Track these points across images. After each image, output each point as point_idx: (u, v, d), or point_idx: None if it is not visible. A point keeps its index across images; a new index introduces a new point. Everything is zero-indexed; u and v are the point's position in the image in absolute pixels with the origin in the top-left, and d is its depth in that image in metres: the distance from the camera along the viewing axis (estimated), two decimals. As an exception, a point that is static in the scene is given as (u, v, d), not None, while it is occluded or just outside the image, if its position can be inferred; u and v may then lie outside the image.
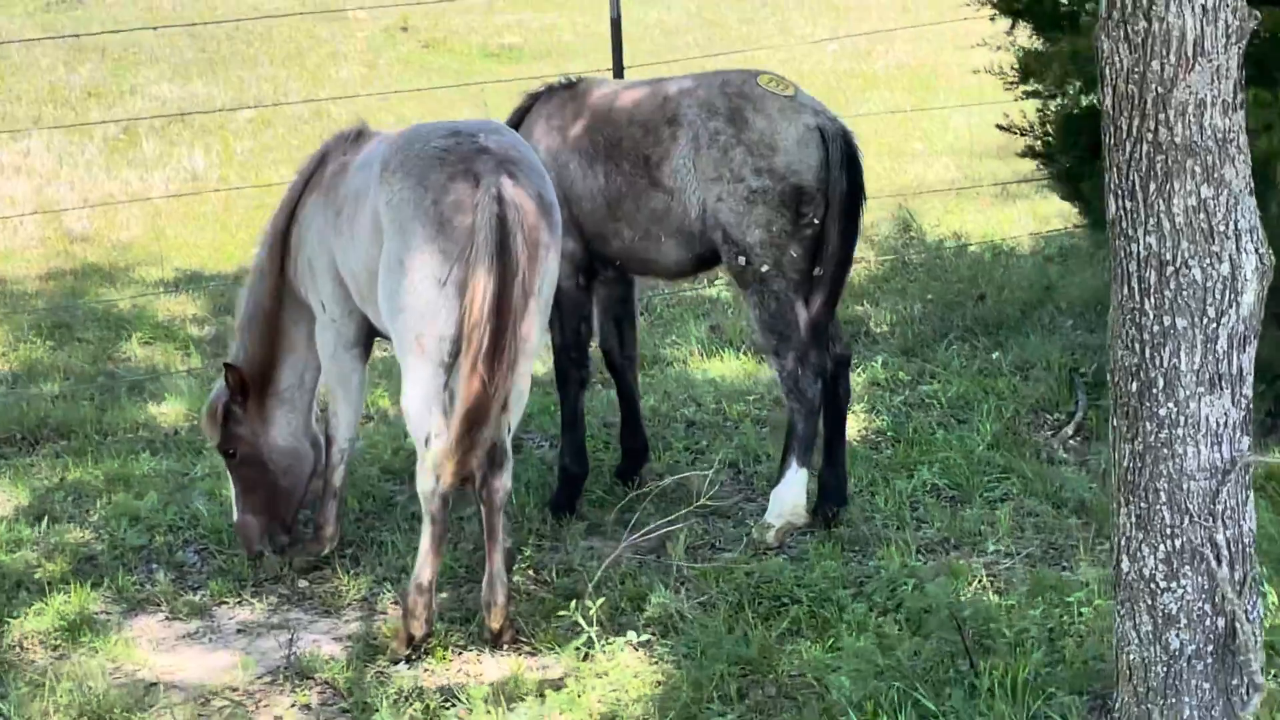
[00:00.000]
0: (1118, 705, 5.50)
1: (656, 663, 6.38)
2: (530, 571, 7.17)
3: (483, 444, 6.25)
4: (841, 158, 7.20)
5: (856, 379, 9.38)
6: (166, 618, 7.16)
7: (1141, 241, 5.02)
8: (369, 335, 7.32)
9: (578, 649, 6.49)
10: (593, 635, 6.43)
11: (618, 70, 8.74)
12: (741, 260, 7.25)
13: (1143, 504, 5.22)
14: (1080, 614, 6.37)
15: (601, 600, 6.68)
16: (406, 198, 6.32)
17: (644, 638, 6.53)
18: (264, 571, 7.46)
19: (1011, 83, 8.84)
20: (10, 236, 13.95)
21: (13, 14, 25.97)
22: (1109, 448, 5.43)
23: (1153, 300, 5.03)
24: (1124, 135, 5.00)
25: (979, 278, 11.33)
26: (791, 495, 7.44)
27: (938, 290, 11.29)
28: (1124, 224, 5.07)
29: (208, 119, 19.29)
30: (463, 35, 24.97)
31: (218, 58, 23.16)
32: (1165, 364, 5.05)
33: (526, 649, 6.63)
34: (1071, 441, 8.57)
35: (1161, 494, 5.15)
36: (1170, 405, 5.07)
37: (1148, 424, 5.13)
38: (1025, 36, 8.86)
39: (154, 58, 22.89)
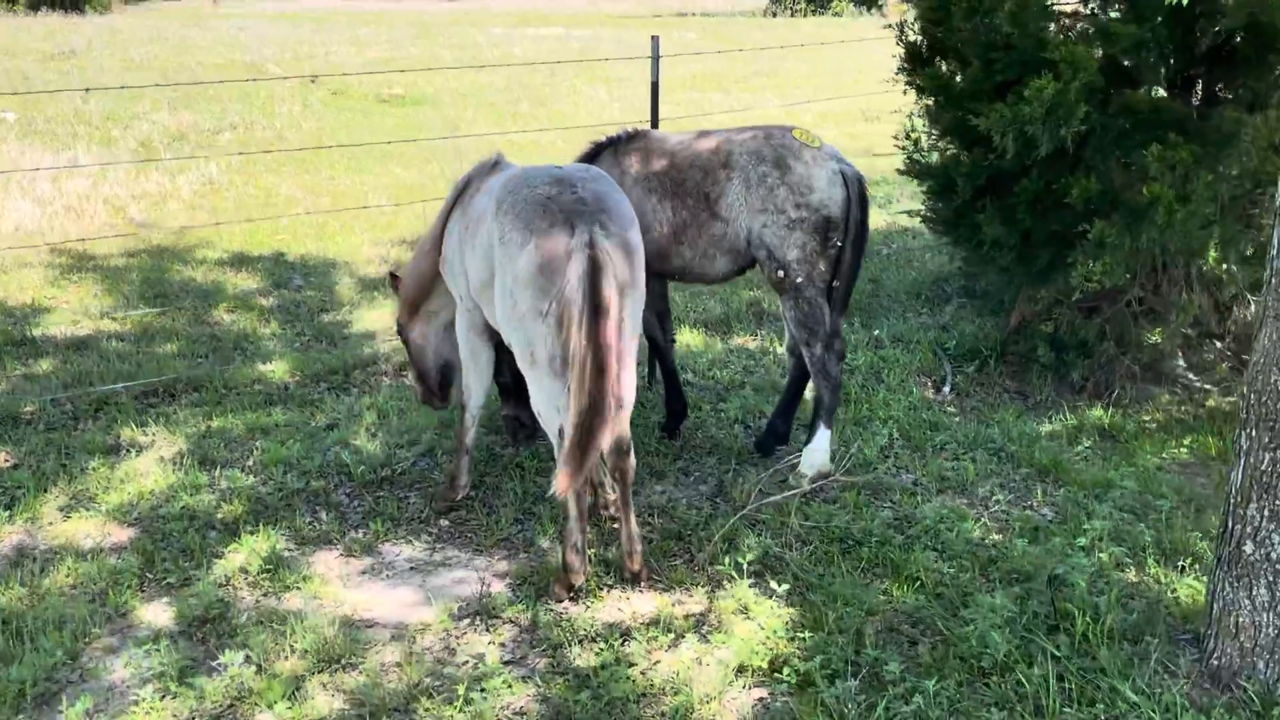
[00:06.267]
0: (1216, 654, 4.11)
1: (780, 601, 4.77)
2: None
3: (599, 448, 4.52)
4: (858, 196, 5.69)
5: (781, 349, 7.85)
6: (341, 554, 5.28)
7: (1314, 289, 3.63)
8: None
9: (703, 587, 4.88)
10: (728, 578, 4.84)
11: (654, 123, 6.92)
12: (780, 273, 5.66)
13: (1278, 501, 3.84)
14: (1100, 558, 4.94)
15: (710, 546, 5.10)
16: (514, 239, 4.64)
17: (755, 581, 4.93)
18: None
19: (934, 139, 7.34)
20: (87, 222, 11.36)
21: (26, 60, 22.91)
22: (1237, 453, 3.98)
23: (1318, 338, 3.65)
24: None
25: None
26: (821, 451, 5.88)
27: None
28: (1297, 275, 3.65)
29: (199, 136, 16.76)
30: (355, 86, 22.54)
31: (190, 96, 20.39)
32: (1321, 390, 3.68)
33: (660, 586, 4.94)
34: (949, 397, 7.17)
35: (1299, 494, 3.79)
36: (1320, 423, 3.70)
37: (1295, 437, 3.75)
38: (927, 107, 7.37)
39: (141, 94, 19.99)
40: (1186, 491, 5.80)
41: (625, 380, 4.71)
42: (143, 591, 4.93)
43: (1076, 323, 7.20)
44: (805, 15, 49.63)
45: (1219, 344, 7.89)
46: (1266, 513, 3.87)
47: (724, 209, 5.70)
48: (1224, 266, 7.04)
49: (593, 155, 6.03)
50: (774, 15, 50.29)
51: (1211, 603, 4.13)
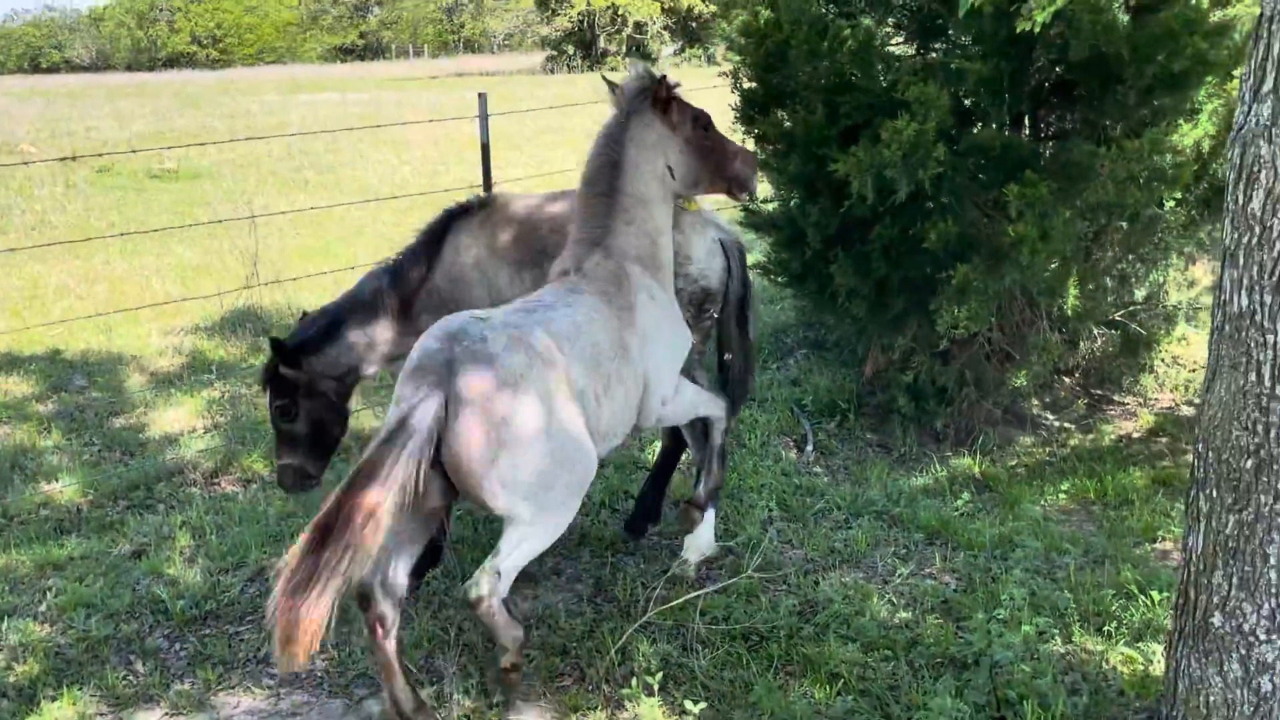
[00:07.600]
0: (1187, 736, 3.72)
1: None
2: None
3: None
4: (739, 267, 5.24)
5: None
6: (167, 713, 4.41)
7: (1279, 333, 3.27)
8: None
9: (601, 710, 4.24)
10: (629, 698, 4.20)
11: (487, 185, 6.30)
12: None
13: (1247, 567, 3.50)
14: (1025, 630, 4.51)
15: (604, 661, 4.46)
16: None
17: (662, 700, 4.30)
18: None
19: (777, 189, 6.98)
20: None
21: None
22: (1195, 516, 3.59)
23: (1285, 386, 3.29)
24: (1273, 235, 3.22)
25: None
26: (704, 534, 5.30)
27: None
28: (1260, 317, 3.30)
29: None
30: (122, 163, 21.06)
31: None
32: (1290, 443, 3.32)
33: (552, 713, 4.27)
34: (813, 457, 6.75)
35: (1271, 558, 3.43)
36: (1290, 479, 3.34)
37: (1263, 496, 3.42)
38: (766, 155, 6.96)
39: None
40: (1083, 543, 5.49)
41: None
42: (-81, 791, 3.99)
43: (936, 370, 6.90)
44: (582, 71, 49.81)
45: (1068, 380, 7.74)
46: (1235, 580, 3.50)
47: None
48: (1076, 303, 6.87)
49: (443, 225, 5.35)
50: (551, 72, 50.33)
51: (1175, 680, 3.74)
